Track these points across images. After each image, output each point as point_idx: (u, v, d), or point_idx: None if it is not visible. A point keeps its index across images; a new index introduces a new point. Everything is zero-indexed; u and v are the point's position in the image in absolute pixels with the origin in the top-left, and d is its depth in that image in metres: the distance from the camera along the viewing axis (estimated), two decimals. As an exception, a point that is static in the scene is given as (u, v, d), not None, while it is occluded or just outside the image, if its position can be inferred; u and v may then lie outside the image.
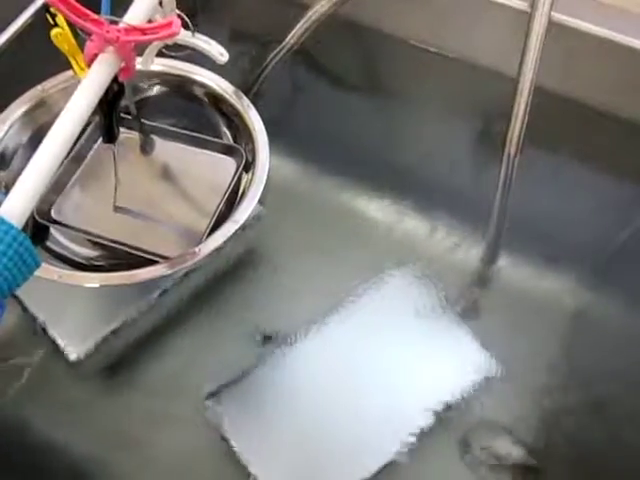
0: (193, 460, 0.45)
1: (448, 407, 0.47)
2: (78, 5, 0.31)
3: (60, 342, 0.46)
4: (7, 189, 0.48)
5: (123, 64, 0.36)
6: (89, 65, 0.35)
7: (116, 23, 0.35)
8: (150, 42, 0.34)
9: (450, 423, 0.47)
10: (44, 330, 0.47)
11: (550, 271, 0.56)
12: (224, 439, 0.45)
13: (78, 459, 0.45)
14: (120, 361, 0.48)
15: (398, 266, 0.54)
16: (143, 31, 0.33)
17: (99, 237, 0.47)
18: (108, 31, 0.32)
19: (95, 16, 0.32)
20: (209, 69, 0.54)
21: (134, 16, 0.36)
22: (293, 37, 0.57)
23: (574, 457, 0.47)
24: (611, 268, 0.56)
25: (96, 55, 0.34)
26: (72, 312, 0.50)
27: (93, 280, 0.44)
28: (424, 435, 0.46)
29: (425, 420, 0.47)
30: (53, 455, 0.42)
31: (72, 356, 0.46)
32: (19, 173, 0.48)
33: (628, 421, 0.46)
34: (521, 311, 0.53)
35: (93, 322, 0.49)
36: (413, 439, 0.46)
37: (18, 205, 0.28)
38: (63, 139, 0.31)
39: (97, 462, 0.45)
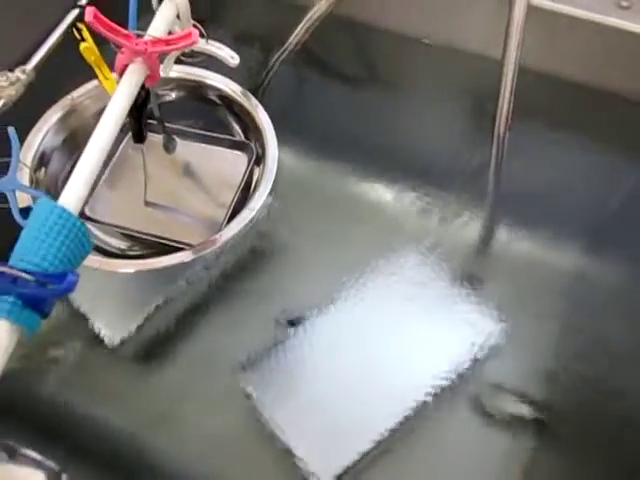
0: (226, 431, 0.47)
1: (459, 371, 0.49)
2: (111, 23, 0.35)
3: (99, 328, 0.49)
4: (45, 186, 0.52)
5: (149, 72, 0.39)
6: (120, 75, 0.38)
7: (141, 36, 0.38)
8: (172, 51, 0.38)
9: (461, 385, 0.48)
10: (84, 317, 0.49)
11: (549, 239, 0.56)
12: (254, 410, 0.47)
13: (118, 436, 0.47)
14: (154, 344, 0.50)
15: (403, 244, 0.56)
16: (167, 42, 0.37)
17: (130, 230, 0.51)
18: (137, 44, 0.36)
19: (125, 31, 0.36)
20: (219, 72, 0.57)
21: (156, 29, 0.39)
22: (295, 38, 0.59)
23: (582, 413, 0.49)
24: (607, 233, 0.57)
25: (126, 66, 0.38)
26: (108, 300, 0.52)
27: (129, 266, 0.47)
28: (437, 397, 0.48)
29: (437, 382, 0.48)
30: (95, 432, 0.43)
31: (111, 341, 0.49)
32: (55, 172, 0.53)
33: (632, 378, 0.47)
34: (524, 279, 0.54)
35: (128, 309, 0.51)
36: (427, 400, 0.47)
37: (73, 198, 0.32)
38: (106, 139, 0.34)
39: (137, 438, 0.47)
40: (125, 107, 0.36)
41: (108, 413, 0.47)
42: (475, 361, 0.49)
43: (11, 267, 0.26)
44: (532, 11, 0.52)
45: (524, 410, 0.49)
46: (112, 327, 0.50)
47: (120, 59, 0.37)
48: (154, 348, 0.51)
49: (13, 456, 0.30)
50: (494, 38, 0.53)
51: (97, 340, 0.49)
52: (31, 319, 0.28)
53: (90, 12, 0.33)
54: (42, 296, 0.26)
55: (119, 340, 0.49)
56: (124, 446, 0.46)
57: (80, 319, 0.50)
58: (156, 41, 0.37)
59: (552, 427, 0.48)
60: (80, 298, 0.51)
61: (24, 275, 0.26)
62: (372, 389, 0.49)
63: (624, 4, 0.53)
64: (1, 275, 0.26)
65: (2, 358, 0.27)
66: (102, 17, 0.34)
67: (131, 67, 0.37)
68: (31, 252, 0.28)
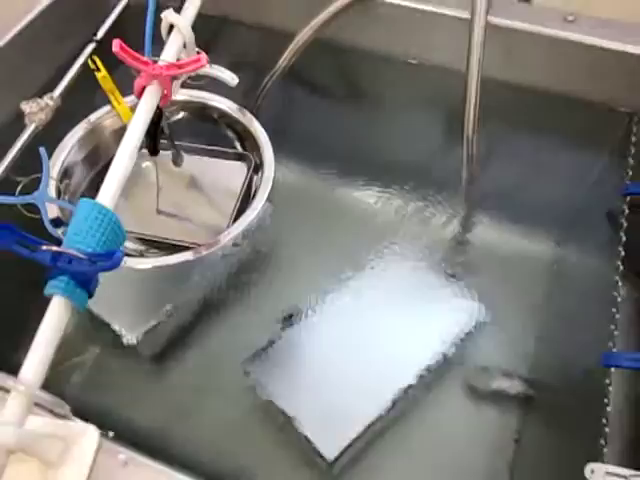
0: (237, 420, 0.51)
1: (446, 354, 0.52)
2: (132, 51, 0.41)
3: (118, 329, 0.52)
4: (68, 195, 0.56)
5: (163, 93, 0.44)
6: (138, 96, 0.43)
7: (155, 62, 0.44)
8: (184, 74, 0.43)
9: (448, 367, 0.52)
10: (102, 322, 0.53)
11: (522, 230, 0.60)
12: (261, 395, 0.50)
13: (137, 430, 0.49)
14: (167, 343, 0.54)
15: (392, 241, 0.59)
16: (179, 66, 0.42)
17: (145, 235, 0.55)
18: (154, 68, 0.42)
19: (144, 58, 0.41)
20: (218, 94, 0.61)
21: (167, 56, 0.45)
22: (284, 61, 0.62)
23: (561, 385, 0.52)
24: (575, 224, 0.61)
25: (144, 88, 0.43)
26: (124, 303, 0.55)
27: (147, 263, 0.50)
28: (426, 378, 0.51)
29: (426, 366, 0.51)
30: (116, 426, 0.46)
31: (129, 340, 0.52)
32: (78, 183, 0.57)
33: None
34: (504, 266, 0.58)
35: (142, 311, 0.54)
36: (417, 382, 0.51)
37: (108, 197, 0.37)
38: (131, 151, 0.39)
39: (156, 431, 0.50)
40: (146, 121, 0.41)
41: (129, 410, 0.50)
42: (460, 344, 0.53)
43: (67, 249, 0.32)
44: (490, 28, 0.57)
45: (508, 386, 0.53)
46: (128, 329, 0.53)
47: (139, 82, 0.43)
48: (167, 347, 0.54)
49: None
50: (459, 53, 0.58)
51: (115, 342, 0.52)
52: (81, 296, 0.34)
53: (116, 44, 0.39)
54: (95, 272, 0.32)
55: (135, 341, 0.52)
56: (146, 438, 0.49)
57: (98, 324, 0.53)
58: (170, 65, 0.42)
59: (535, 400, 0.52)
60: (97, 304, 0.53)
61: (79, 254, 0.32)
62: (365, 371, 0.51)
63: (570, 18, 0.58)
64: (60, 255, 0.32)
65: (59, 331, 0.33)
66: (126, 47, 0.40)
67: (149, 88, 0.42)
68: (79, 240, 0.34)
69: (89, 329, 0.54)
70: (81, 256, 0.32)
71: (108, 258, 0.32)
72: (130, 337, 0.53)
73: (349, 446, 0.48)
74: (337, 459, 0.48)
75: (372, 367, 0.52)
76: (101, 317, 0.53)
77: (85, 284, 0.33)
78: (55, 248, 0.31)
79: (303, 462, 0.49)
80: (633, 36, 0.57)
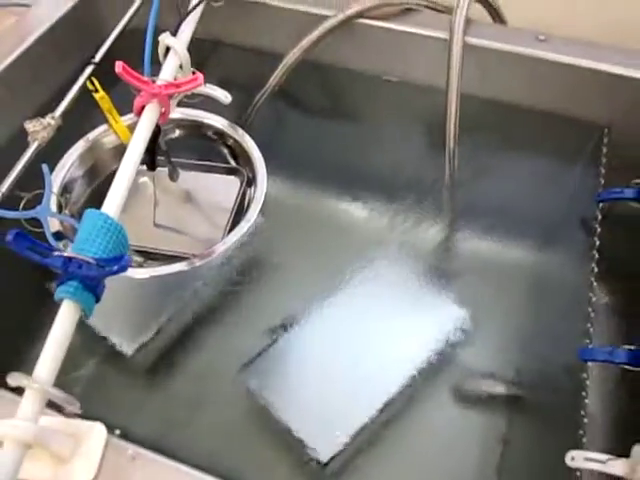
0: (234, 429, 0.51)
1: (434, 358, 0.53)
2: (134, 72, 0.44)
3: (114, 341, 0.53)
4: (69, 210, 0.58)
5: (162, 111, 0.47)
6: (138, 114, 0.46)
7: (154, 81, 0.47)
8: (182, 92, 0.46)
9: (436, 371, 0.53)
10: (99, 335, 0.53)
11: (503, 238, 0.62)
12: (256, 401, 0.50)
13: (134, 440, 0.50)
14: (164, 354, 0.54)
15: (377, 252, 0.60)
16: (177, 85, 0.45)
17: (143, 247, 0.56)
18: (153, 88, 0.44)
19: (145, 78, 0.44)
20: (212, 112, 0.63)
21: (165, 76, 0.48)
22: (274, 80, 0.64)
23: (546, 384, 0.53)
24: (553, 228, 0.63)
25: (144, 106, 0.45)
26: (120, 315, 0.56)
27: (143, 274, 0.51)
28: (417, 378, 0.52)
29: (417, 366, 0.52)
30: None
31: (127, 352, 0.53)
32: (77, 198, 0.59)
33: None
34: (486, 272, 0.59)
35: (138, 323, 0.55)
36: (408, 381, 0.51)
37: (113, 207, 0.40)
38: (132, 165, 0.42)
39: (152, 442, 0.47)
40: (146, 138, 0.44)
41: (127, 421, 0.48)
42: (447, 349, 0.54)
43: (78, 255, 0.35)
44: (468, 48, 0.60)
45: (495, 388, 0.54)
46: (125, 341, 0.54)
47: (139, 101, 0.45)
48: (164, 358, 0.54)
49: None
50: (439, 72, 0.60)
51: (112, 355, 0.53)
52: (89, 301, 0.36)
53: (119, 65, 0.42)
54: (104, 275, 0.34)
55: (132, 352, 0.53)
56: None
57: (96, 337, 0.53)
58: (168, 85, 0.45)
59: (521, 400, 0.53)
60: (94, 317, 0.54)
61: (88, 259, 0.34)
62: (355, 376, 0.52)
63: (541, 38, 0.62)
64: (70, 261, 0.34)
65: (69, 332, 0.35)
66: (128, 68, 0.43)
67: (148, 106, 0.45)
68: (87, 247, 0.36)
69: (85, 341, 0.54)
70: (90, 261, 0.34)
71: (116, 262, 0.34)
72: (126, 349, 0.54)
73: (342, 449, 0.49)
74: (331, 461, 0.49)
75: (363, 372, 0.53)
76: (97, 329, 0.54)
77: (93, 289, 0.36)
78: (66, 254, 0.34)
79: (298, 465, 0.49)
80: (599, 54, 0.61)
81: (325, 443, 0.49)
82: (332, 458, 0.49)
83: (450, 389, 0.54)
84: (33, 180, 0.49)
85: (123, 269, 0.34)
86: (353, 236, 0.63)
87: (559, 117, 0.64)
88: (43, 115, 0.52)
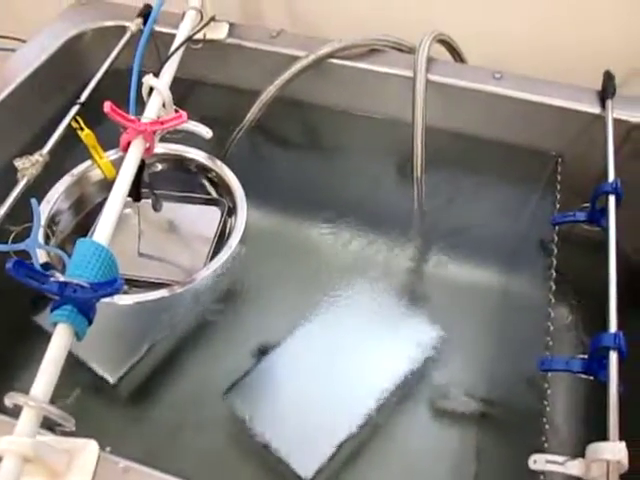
0: (218, 450, 0.52)
1: (410, 375, 0.55)
2: (121, 111, 0.47)
3: (98, 370, 0.54)
4: (55, 240, 0.59)
5: (147, 146, 0.49)
6: (124, 149, 0.49)
7: (139, 119, 0.50)
8: (167, 129, 0.49)
9: (413, 385, 0.55)
10: (82, 365, 0.54)
11: (472, 259, 0.65)
12: (240, 421, 0.52)
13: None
14: (147, 379, 0.56)
15: (355, 276, 0.63)
16: (162, 122, 0.49)
17: (128, 275, 0.57)
18: (140, 125, 0.47)
19: (131, 117, 0.47)
20: (192, 146, 0.66)
21: (150, 114, 0.51)
22: (251, 115, 0.68)
23: (515, 403, 0.56)
24: (514, 251, 0.67)
25: (129, 142, 0.48)
26: (103, 344, 0.56)
27: (127, 300, 0.53)
28: (393, 395, 0.54)
29: (394, 383, 0.54)
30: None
31: (110, 380, 0.54)
32: (64, 229, 0.61)
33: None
34: (456, 295, 0.62)
35: (122, 350, 0.56)
36: (385, 398, 0.53)
37: (103, 236, 0.42)
38: (121, 197, 0.45)
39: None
40: (133, 171, 0.47)
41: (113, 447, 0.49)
42: (423, 368, 0.56)
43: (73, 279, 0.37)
44: (430, 85, 0.65)
45: (468, 405, 0.56)
46: (107, 370, 0.55)
47: (125, 137, 0.48)
48: (148, 385, 0.56)
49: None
50: (405, 107, 0.64)
51: (96, 383, 0.54)
52: (83, 323, 0.38)
53: (107, 105, 0.45)
54: (98, 297, 0.37)
55: (115, 380, 0.54)
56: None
57: (79, 367, 0.54)
58: (153, 122, 0.48)
59: (492, 417, 0.56)
60: (75, 345, 0.52)
61: (83, 283, 0.37)
62: (335, 395, 0.54)
63: (497, 76, 0.67)
64: (67, 285, 0.37)
65: (63, 354, 0.37)
66: (115, 107, 0.46)
67: (134, 142, 0.48)
68: (80, 272, 0.39)
69: (69, 370, 0.55)
70: (85, 285, 0.36)
71: (109, 285, 0.36)
72: (110, 378, 0.55)
73: (324, 465, 0.51)
74: (313, 478, 0.51)
75: (342, 390, 0.55)
76: (80, 358, 0.55)
77: (86, 312, 0.38)
78: (62, 279, 0.36)
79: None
80: (550, 90, 0.66)
81: (307, 460, 0.51)
82: (315, 475, 0.51)
83: (424, 404, 0.56)
84: (22, 214, 0.51)
85: (116, 291, 0.36)
86: (329, 263, 0.65)
87: (516, 148, 0.69)
88: (31, 153, 0.54)
